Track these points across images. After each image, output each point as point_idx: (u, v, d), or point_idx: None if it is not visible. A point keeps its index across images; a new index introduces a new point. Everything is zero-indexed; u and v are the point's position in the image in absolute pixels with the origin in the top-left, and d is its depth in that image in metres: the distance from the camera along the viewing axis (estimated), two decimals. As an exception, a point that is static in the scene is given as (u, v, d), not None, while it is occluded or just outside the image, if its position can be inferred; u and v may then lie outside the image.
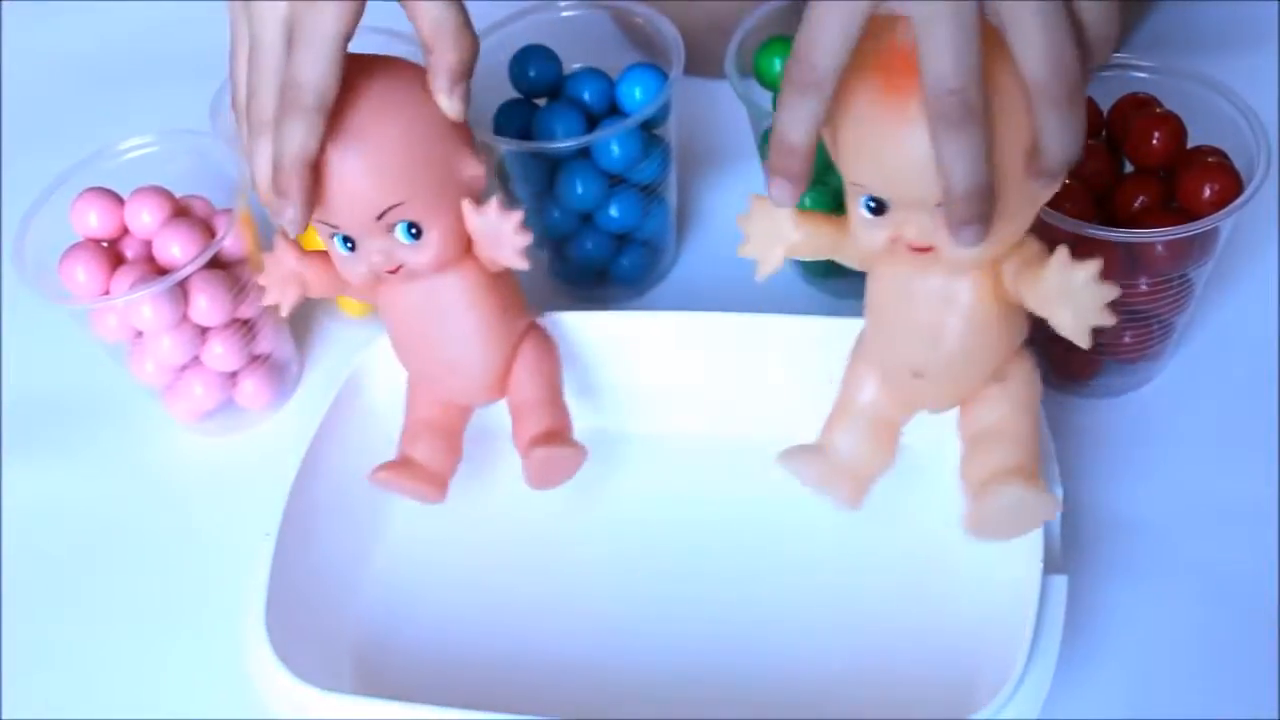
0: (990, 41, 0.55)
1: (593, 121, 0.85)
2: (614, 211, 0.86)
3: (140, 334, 0.82)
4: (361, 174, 0.67)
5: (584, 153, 0.84)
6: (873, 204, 0.60)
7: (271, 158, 0.65)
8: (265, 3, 0.63)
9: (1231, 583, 0.73)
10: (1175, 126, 0.76)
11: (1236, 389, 0.81)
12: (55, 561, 0.83)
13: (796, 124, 0.57)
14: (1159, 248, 0.74)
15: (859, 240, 0.62)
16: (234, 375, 0.86)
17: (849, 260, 0.65)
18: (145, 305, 0.79)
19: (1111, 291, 0.58)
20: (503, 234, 0.69)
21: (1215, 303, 0.85)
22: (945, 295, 0.62)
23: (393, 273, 0.70)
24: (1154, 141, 0.76)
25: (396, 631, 0.75)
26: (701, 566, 0.76)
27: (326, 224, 0.69)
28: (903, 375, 0.66)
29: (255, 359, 0.86)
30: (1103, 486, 0.77)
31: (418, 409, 0.77)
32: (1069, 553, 0.69)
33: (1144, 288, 0.75)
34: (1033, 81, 0.54)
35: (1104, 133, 0.80)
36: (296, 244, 0.73)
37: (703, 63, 0.93)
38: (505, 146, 0.83)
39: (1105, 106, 0.79)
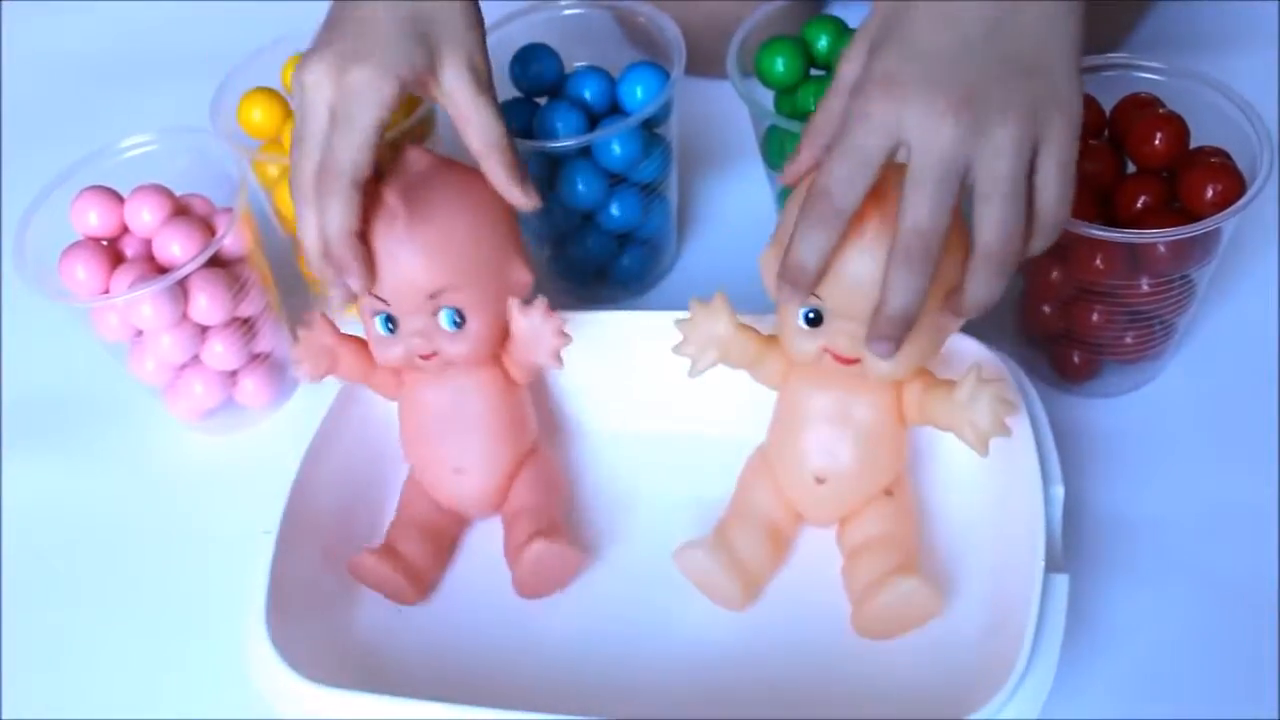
0: None
1: (594, 120, 0.85)
2: (615, 210, 0.85)
3: (140, 333, 0.82)
4: (423, 252, 0.70)
5: (585, 151, 0.84)
6: (811, 315, 0.67)
7: (317, 231, 0.69)
8: (315, 91, 0.69)
9: (1232, 582, 0.72)
10: (1178, 127, 0.76)
11: (1238, 389, 0.82)
12: (55, 560, 0.83)
13: (813, 251, 0.63)
14: (1161, 248, 0.73)
15: (792, 347, 0.68)
16: (234, 374, 0.86)
17: (764, 378, 0.72)
18: (145, 304, 0.79)
19: (1014, 410, 0.67)
20: (543, 335, 0.72)
21: (1217, 303, 0.85)
22: (849, 411, 0.70)
23: (426, 359, 0.72)
24: (1156, 142, 0.76)
25: (397, 628, 0.75)
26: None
27: (377, 298, 0.71)
28: (805, 482, 0.72)
29: (255, 358, 0.86)
30: (1104, 486, 0.77)
31: (414, 506, 0.78)
32: (1070, 552, 0.69)
33: (1145, 288, 0.75)
34: (981, 244, 0.62)
35: (1106, 133, 0.79)
36: (333, 323, 0.75)
37: (704, 62, 0.93)
38: (506, 145, 0.83)
39: (1108, 106, 0.79)
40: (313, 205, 0.69)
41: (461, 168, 0.74)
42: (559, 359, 0.73)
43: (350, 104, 0.68)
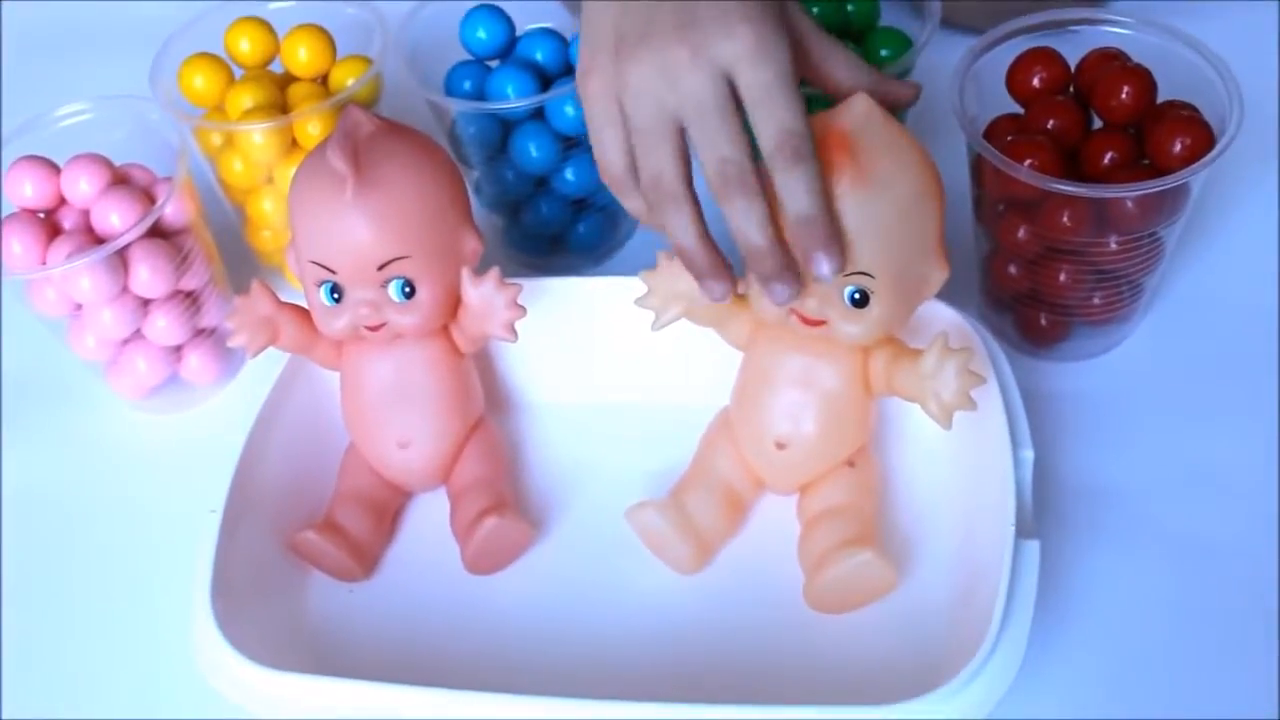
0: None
1: (547, 83, 0.83)
2: (569, 175, 0.83)
3: (80, 307, 0.80)
4: (372, 221, 0.68)
5: (538, 114, 0.81)
6: None
7: (785, 214, 0.63)
8: (704, 56, 0.63)
9: (1204, 545, 0.71)
10: (1145, 80, 0.74)
11: (1207, 351, 0.80)
12: (-5, 543, 0.80)
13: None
14: (1128, 204, 0.72)
15: (758, 308, 0.67)
16: (179, 349, 0.84)
17: (731, 337, 0.71)
18: (83, 276, 0.76)
19: (980, 381, 0.65)
20: (496, 307, 0.70)
21: (1185, 263, 0.84)
22: (814, 376, 0.68)
23: (373, 330, 0.70)
24: (1123, 96, 0.74)
25: (348, 608, 0.73)
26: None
27: (322, 268, 0.69)
28: (766, 446, 0.70)
29: (200, 332, 0.84)
30: (1073, 450, 0.76)
31: (355, 479, 0.75)
32: (1040, 518, 0.68)
33: (1113, 246, 0.74)
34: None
35: (1072, 87, 0.78)
36: (272, 291, 0.73)
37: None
38: (457, 108, 0.81)
39: (1073, 61, 0.78)
40: (756, 190, 0.63)
41: (409, 132, 0.72)
42: (513, 331, 0.71)
43: (753, 71, 0.62)
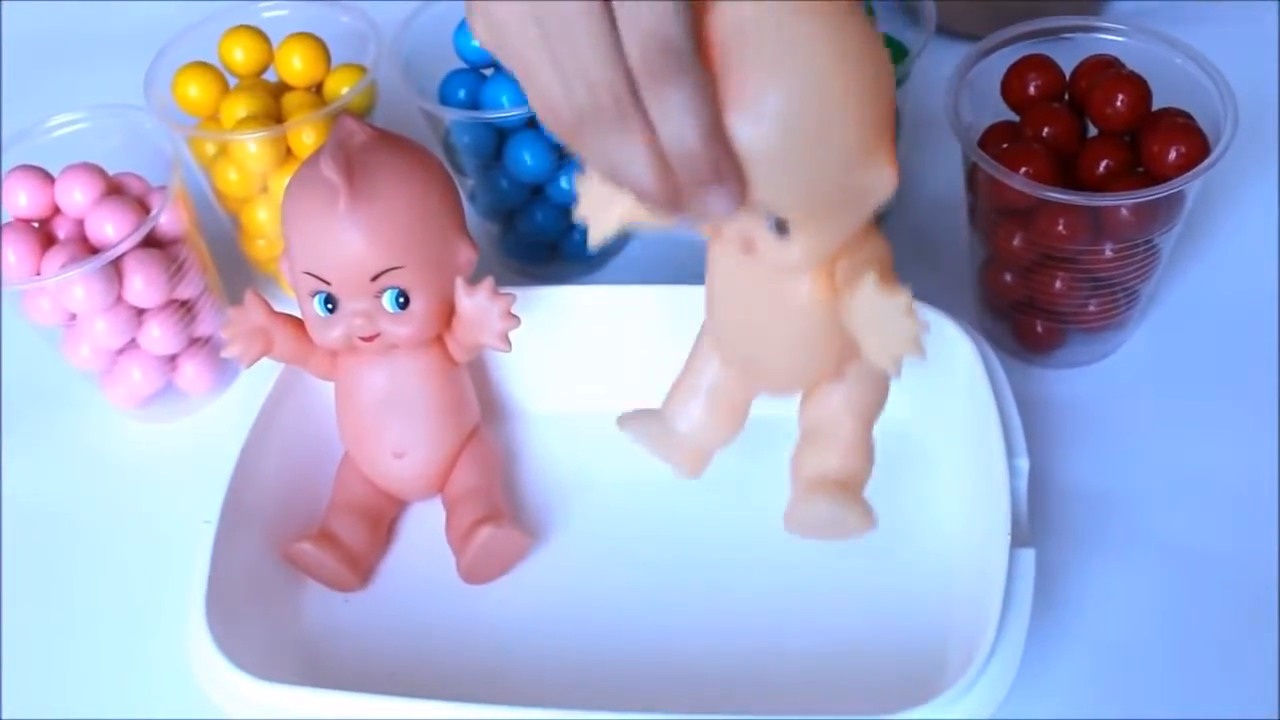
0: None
1: (541, 91, 0.83)
2: (564, 183, 0.83)
3: (74, 316, 0.79)
4: (366, 232, 0.68)
5: (532, 122, 0.81)
6: None
7: (661, 143, 0.52)
8: None
9: (1201, 553, 0.71)
10: (1140, 88, 0.74)
11: (1203, 358, 0.80)
12: (-11, 552, 0.80)
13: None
14: (1124, 212, 0.72)
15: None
16: (174, 358, 0.83)
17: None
18: (78, 286, 0.76)
19: (923, 326, 0.54)
20: (491, 317, 0.70)
21: (1181, 270, 0.84)
22: (773, 293, 0.58)
23: (367, 340, 0.70)
24: (1118, 104, 0.74)
25: (344, 618, 0.73)
26: (659, 544, 0.74)
27: (316, 278, 0.69)
28: (739, 359, 0.64)
29: (195, 341, 0.84)
30: (1069, 458, 0.75)
31: (350, 489, 0.75)
32: (1035, 526, 0.68)
33: (1109, 254, 0.74)
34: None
35: (1067, 95, 0.78)
36: (266, 301, 0.72)
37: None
38: (451, 117, 0.81)
39: (1068, 68, 0.77)
40: (635, 123, 0.51)
41: (402, 141, 0.71)
42: (507, 341, 0.71)
43: None
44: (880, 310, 0.54)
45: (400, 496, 0.76)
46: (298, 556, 0.72)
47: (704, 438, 0.66)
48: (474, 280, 0.71)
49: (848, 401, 0.62)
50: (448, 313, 0.72)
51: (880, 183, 0.54)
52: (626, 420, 0.68)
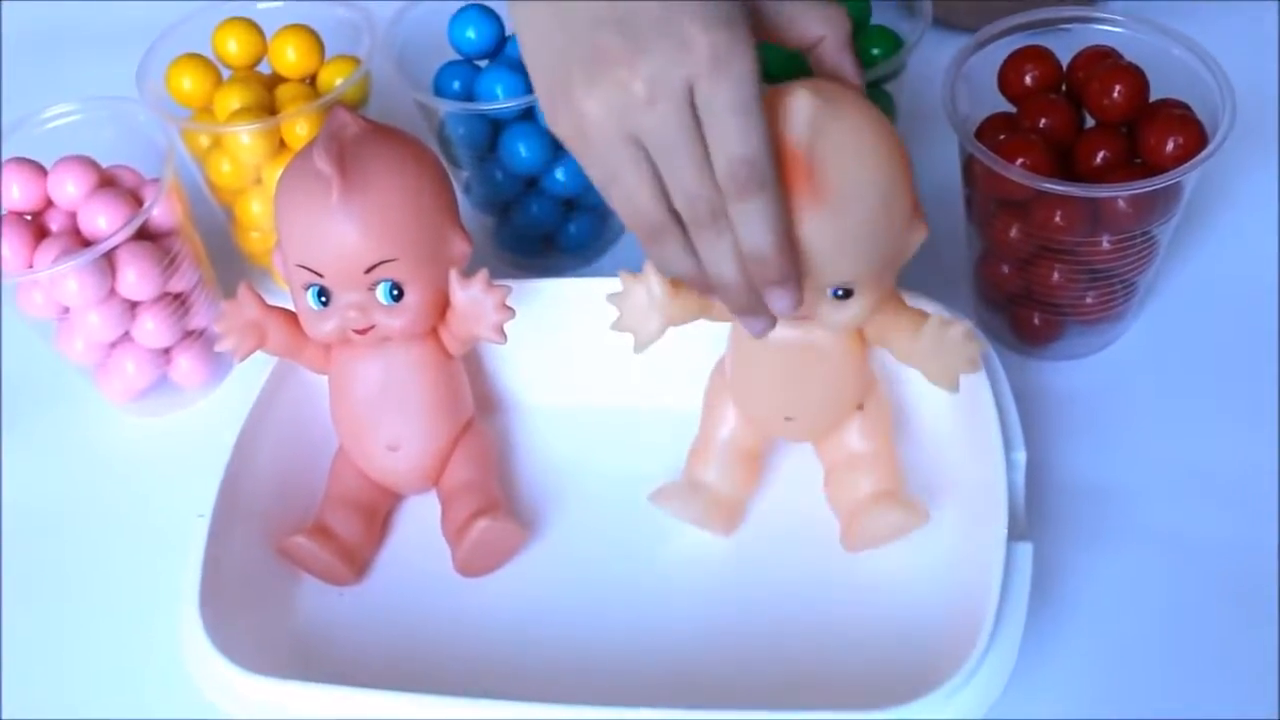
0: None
1: (536, 83, 0.82)
2: (560, 175, 0.83)
3: (67, 310, 0.79)
4: (360, 224, 0.67)
5: (527, 114, 0.81)
6: None
7: (739, 250, 0.59)
8: (660, 83, 0.56)
9: (1199, 546, 0.71)
10: (1137, 79, 0.74)
11: (1201, 349, 0.80)
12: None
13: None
14: (1121, 203, 0.71)
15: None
16: (168, 352, 0.83)
17: (721, 317, 0.67)
18: (71, 279, 0.76)
19: (981, 347, 0.65)
20: (485, 308, 0.70)
21: (1178, 261, 0.83)
22: (810, 348, 0.67)
23: (361, 333, 0.70)
24: (1115, 95, 0.74)
25: (339, 613, 0.72)
26: (656, 537, 0.73)
27: (309, 271, 0.69)
28: (773, 419, 0.70)
29: (189, 335, 0.83)
30: (1066, 450, 0.75)
31: (345, 483, 0.75)
32: (1033, 520, 0.68)
33: (1106, 245, 0.73)
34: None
35: (1064, 86, 0.77)
36: (260, 295, 0.72)
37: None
38: (446, 108, 0.81)
39: (1065, 59, 0.77)
40: (723, 229, 0.59)
41: (395, 133, 0.71)
42: (502, 333, 0.70)
43: (715, 86, 0.56)
44: (945, 341, 0.64)
45: (395, 490, 0.76)
46: (292, 550, 0.72)
47: (732, 492, 0.72)
48: (469, 273, 0.70)
49: (873, 428, 0.70)
50: (442, 305, 0.71)
51: (919, 237, 0.64)
52: (658, 496, 0.72)
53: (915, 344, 0.65)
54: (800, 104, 0.59)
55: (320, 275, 0.69)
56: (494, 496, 0.73)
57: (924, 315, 0.65)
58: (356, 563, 0.73)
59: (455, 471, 0.74)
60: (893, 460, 0.71)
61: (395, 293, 0.69)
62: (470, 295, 0.70)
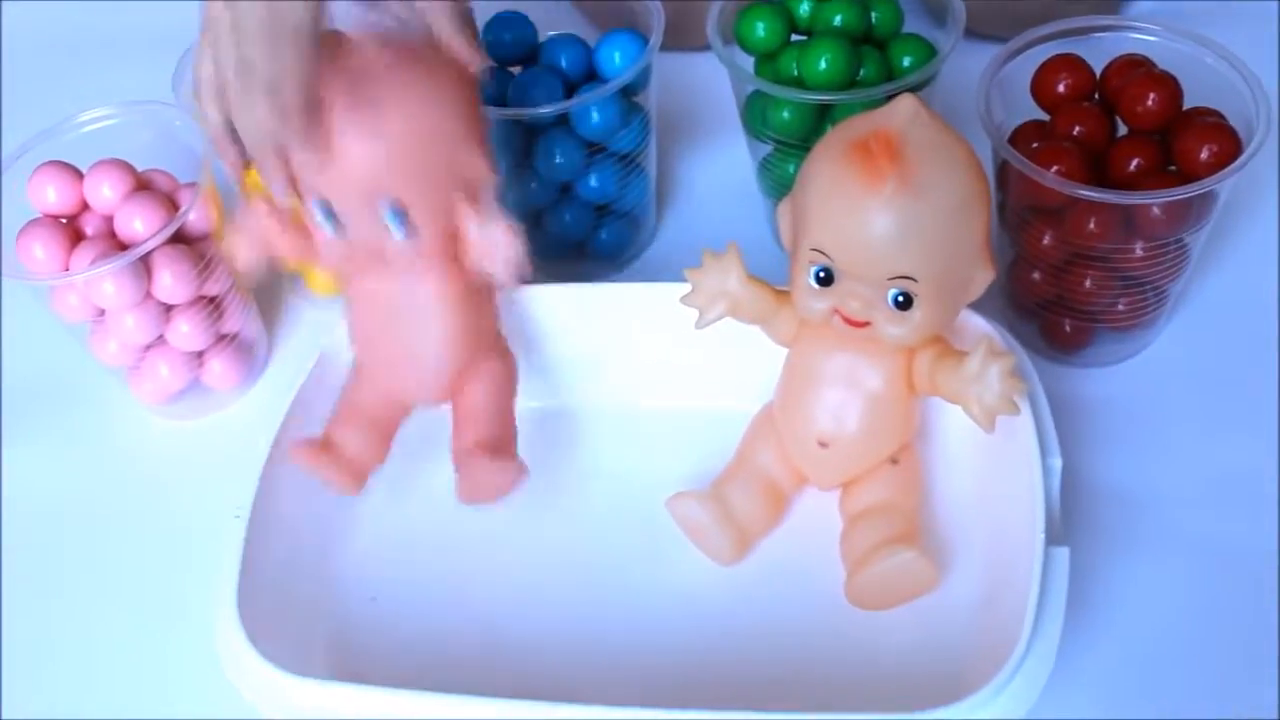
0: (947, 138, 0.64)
1: (570, 89, 0.83)
2: (593, 181, 0.83)
3: (102, 313, 0.80)
4: (368, 151, 0.65)
5: (562, 121, 0.81)
6: (822, 274, 0.65)
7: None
8: None
9: (1233, 551, 0.71)
10: (1171, 87, 0.74)
11: (1232, 357, 0.80)
12: (17, 550, 0.80)
13: None
14: (1155, 210, 0.72)
15: (802, 306, 0.67)
16: (201, 355, 0.83)
17: (776, 334, 0.71)
18: (107, 282, 0.76)
19: (1023, 388, 0.65)
20: (498, 246, 0.68)
21: (1211, 269, 0.83)
22: (858, 375, 0.68)
23: (373, 259, 0.68)
24: (1150, 102, 0.74)
25: (373, 614, 0.73)
26: (684, 544, 0.73)
27: (319, 196, 0.67)
28: (809, 445, 0.70)
29: (222, 338, 0.84)
30: (1099, 455, 0.75)
31: (356, 394, 0.74)
32: (1068, 523, 0.68)
33: (1139, 253, 0.74)
34: None
35: (1097, 94, 0.78)
36: (274, 203, 0.70)
37: (679, 35, 0.91)
38: (480, 115, 0.81)
39: (1099, 67, 0.77)
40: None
41: (410, 50, 0.68)
42: (515, 274, 0.68)
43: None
44: (988, 371, 0.64)
45: (406, 401, 0.74)
46: (300, 454, 0.71)
47: (751, 523, 0.72)
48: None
49: (903, 486, 0.71)
50: (459, 234, 0.69)
51: (984, 279, 0.66)
52: (676, 500, 0.71)
53: (961, 370, 0.65)
54: (906, 100, 0.64)
55: (328, 198, 0.67)
56: (501, 429, 0.72)
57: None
58: (361, 475, 0.72)
59: (469, 393, 0.72)
60: (915, 519, 0.70)
61: (404, 221, 0.67)
62: (483, 230, 0.68)
